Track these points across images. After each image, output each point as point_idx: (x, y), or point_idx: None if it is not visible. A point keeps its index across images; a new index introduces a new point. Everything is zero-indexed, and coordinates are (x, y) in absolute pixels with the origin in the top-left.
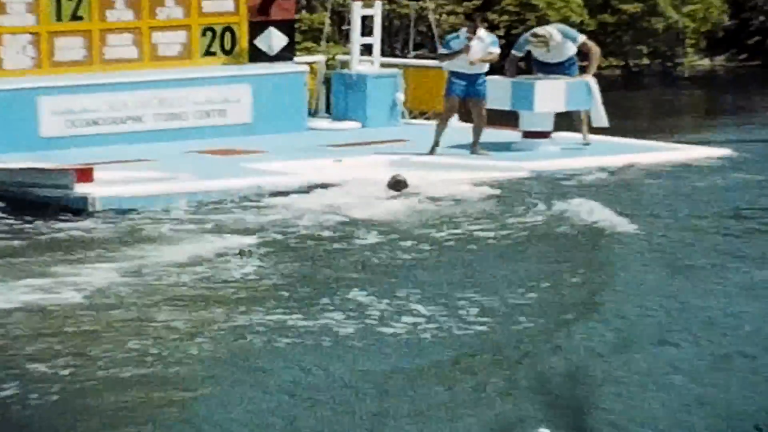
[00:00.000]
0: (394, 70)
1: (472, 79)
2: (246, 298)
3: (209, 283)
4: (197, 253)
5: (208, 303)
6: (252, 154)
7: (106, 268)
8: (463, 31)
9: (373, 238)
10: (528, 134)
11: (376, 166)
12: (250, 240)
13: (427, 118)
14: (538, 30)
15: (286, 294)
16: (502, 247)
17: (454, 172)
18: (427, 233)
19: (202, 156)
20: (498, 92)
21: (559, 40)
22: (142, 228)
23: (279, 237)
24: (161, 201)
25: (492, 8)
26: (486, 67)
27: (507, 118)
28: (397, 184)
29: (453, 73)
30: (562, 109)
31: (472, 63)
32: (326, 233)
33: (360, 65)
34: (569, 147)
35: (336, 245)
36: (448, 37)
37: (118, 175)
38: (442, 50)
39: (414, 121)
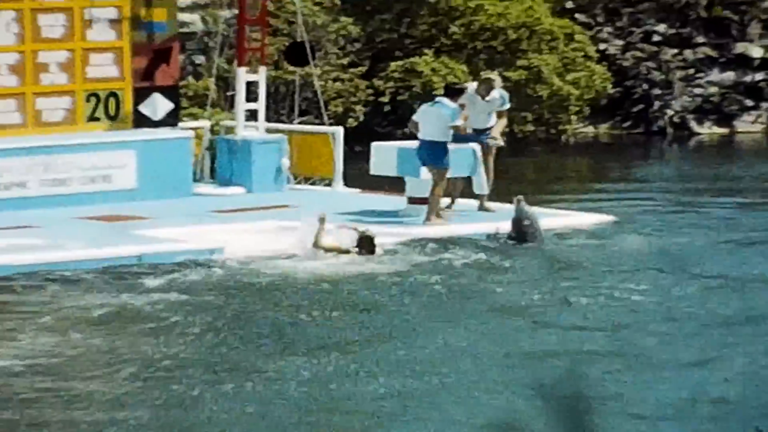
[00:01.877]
0: (280, 136)
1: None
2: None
3: None
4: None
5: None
6: (137, 220)
7: None
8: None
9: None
10: (414, 200)
11: (263, 232)
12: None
13: (312, 184)
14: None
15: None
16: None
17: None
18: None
19: (87, 222)
20: (384, 159)
21: (497, 96)
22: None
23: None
24: (43, 268)
25: (377, 74)
26: (438, 136)
27: (394, 185)
28: (365, 241)
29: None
30: (447, 176)
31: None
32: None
33: (245, 131)
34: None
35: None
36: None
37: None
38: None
39: (299, 186)
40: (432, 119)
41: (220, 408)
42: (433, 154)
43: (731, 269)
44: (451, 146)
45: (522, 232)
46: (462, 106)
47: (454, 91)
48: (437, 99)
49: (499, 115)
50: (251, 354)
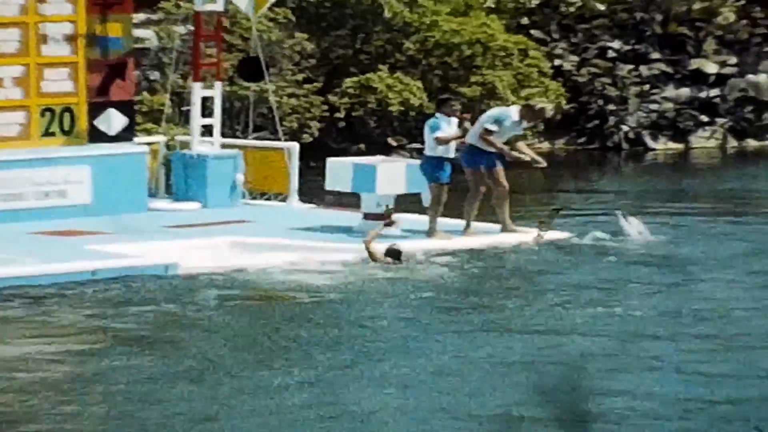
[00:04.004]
0: (235, 151)
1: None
2: None
3: None
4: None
5: None
6: (92, 235)
7: None
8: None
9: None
10: (369, 216)
11: (218, 247)
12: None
13: (268, 199)
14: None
15: None
16: None
17: (282, 254)
18: None
19: (41, 237)
20: (340, 174)
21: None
22: None
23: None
24: None
25: (332, 90)
26: (431, 150)
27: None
28: (393, 253)
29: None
30: (402, 191)
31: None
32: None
33: (200, 146)
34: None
35: None
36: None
37: None
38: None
39: (254, 201)
40: (426, 133)
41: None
42: (423, 168)
43: None
44: (408, 162)
45: None
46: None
47: (441, 102)
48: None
49: (518, 139)
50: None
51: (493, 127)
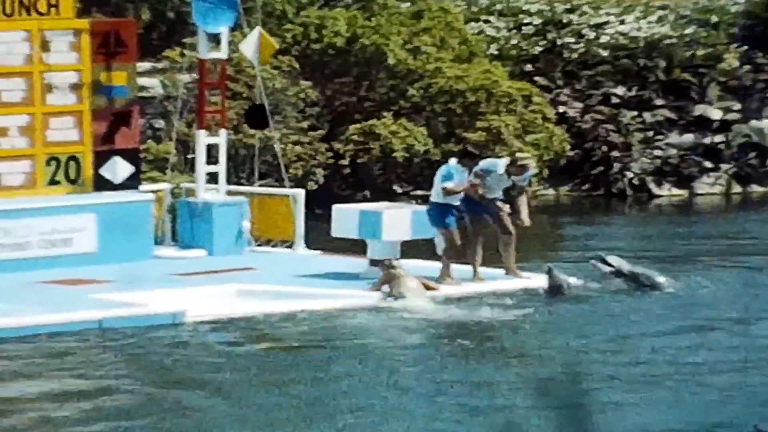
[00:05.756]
0: (241, 198)
1: None
2: None
3: None
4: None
5: None
6: (98, 284)
7: None
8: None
9: None
10: (375, 262)
11: (224, 295)
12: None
13: (274, 246)
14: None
15: None
16: None
17: (288, 301)
18: None
19: (47, 286)
20: (346, 221)
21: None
22: None
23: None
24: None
25: (337, 137)
26: (437, 197)
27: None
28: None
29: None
30: (408, 237)
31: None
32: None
33: (206, 193)
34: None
35: None
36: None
37: None
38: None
39: (260, 248)
40: (435, 180)
41: None
42: (430, 215)
43: None
44: (413, 208)
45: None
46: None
47: (468, 155)
48: (449, 161)
49: (522, 191)
50: None
51: (476, 180)
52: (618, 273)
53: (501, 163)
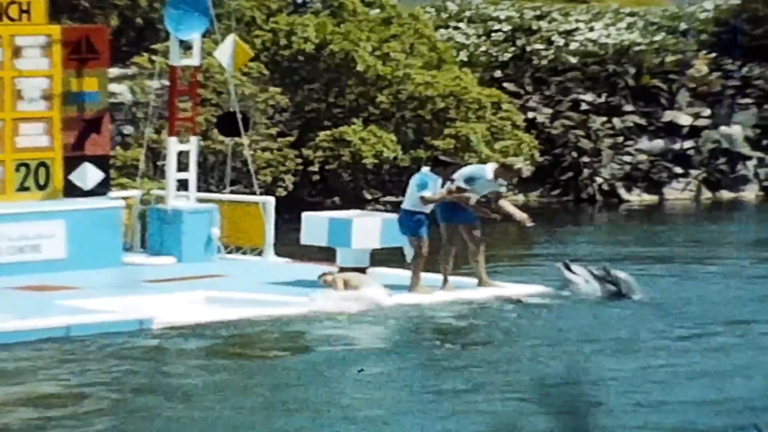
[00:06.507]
0: (210, 206)
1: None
2: None
3: None
4: None
5: None
6: (66, 290)
7: None
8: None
9: None
10: (344, 270)
11: (192, 302)
12: None
13: (243, 253)
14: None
15: None
16: None
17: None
18: None
19: (15, 292)
20: (315, 228)
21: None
22: None
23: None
24: None
25: (306, 144)
26: (410, 205)
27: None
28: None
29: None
30: (377, 245)
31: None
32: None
33: (175, 200)
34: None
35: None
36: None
37: None
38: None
39: (230, 256)
40: (409, 188)
41: None
42: (402, 223)
43: None
44: (383, 216)
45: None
46: (450, 180)
47: (440, 163)
48: (422, 169)
49: (499, 196)
50: None
51: (465, 186)
52: (598, 278)
53: (489, 169)
